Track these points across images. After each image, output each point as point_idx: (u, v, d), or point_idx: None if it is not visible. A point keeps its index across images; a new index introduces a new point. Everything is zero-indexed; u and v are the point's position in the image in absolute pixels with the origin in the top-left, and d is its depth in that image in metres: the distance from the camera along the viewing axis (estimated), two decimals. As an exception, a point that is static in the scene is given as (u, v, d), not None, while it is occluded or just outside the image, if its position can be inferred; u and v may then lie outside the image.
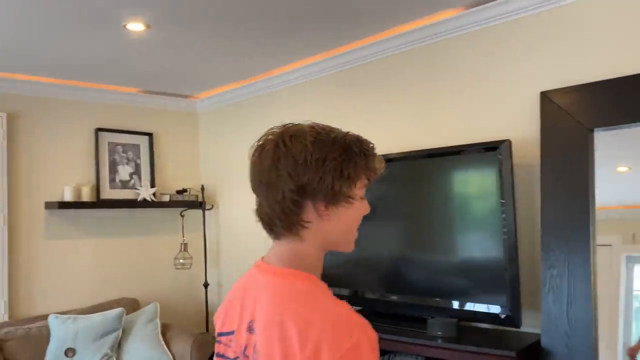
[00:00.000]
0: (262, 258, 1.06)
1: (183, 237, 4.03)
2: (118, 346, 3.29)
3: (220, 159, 4.18)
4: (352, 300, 2.85)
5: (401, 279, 2.65)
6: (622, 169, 2.25)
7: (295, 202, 0.94)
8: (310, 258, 1.00)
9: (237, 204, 4.01)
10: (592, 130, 2.10)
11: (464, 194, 2.46)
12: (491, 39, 2.54)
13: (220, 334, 1.04)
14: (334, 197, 0.96)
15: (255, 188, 1.02)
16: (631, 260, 2.15)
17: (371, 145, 1.02)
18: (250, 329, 0.95)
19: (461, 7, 2.52)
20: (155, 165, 4.07)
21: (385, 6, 2.48)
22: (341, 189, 0.96)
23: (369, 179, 1.01)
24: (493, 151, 2.30)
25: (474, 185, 2.43)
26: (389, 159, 2.71)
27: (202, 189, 4.13)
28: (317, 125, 0.99)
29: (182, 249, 3.96)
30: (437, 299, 2.45)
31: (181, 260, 3.94)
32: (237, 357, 0.96)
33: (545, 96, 2.24)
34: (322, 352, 0.81)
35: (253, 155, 1.01)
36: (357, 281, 2.83)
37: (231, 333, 1.00)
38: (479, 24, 2.56)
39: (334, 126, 0.99)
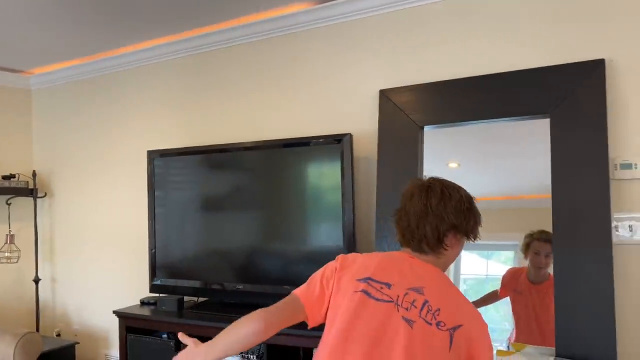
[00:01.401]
0: (407, 251, 1.43)
1: (9, 227, 3.63)
2: None
3: (56, 142, 3.82)
4: (203, 292, 2.79)
5: (254, 269, 2.64)
6: (453, 165, 2.46)
7: (447, 231, 1.38)
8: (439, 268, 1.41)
9: (75, 192, 3.70)
10: (422, 128, 2.28)
11: (312, 185, 2.53)
12: (339, 35, 2.64)
13: (371, 279, 1.34)
14: (467, 233, 1.41)
15: (415, 212, 1.39)
16: (461, 247, 2.37)
17: None
18: (418, 291, 1.31)
19: (312, 2, 2.58)
20: (-24, 146, 3.60)
21: (236, -7, 2.45)
22: (473, 228, 1.42)
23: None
24: (337, 143, 2.39)
25: (321, 176, 2.51)
26: (242, 148, 2.70)
27: (34, 174, 3.74)
28: (457, 184, 1.46)
29: (8, 241, 3.58)
30: (289, 287, 2.48)
31: (7, 254, 3.56)
32: (392, 301, 1.30)
33: (383, 94, 2.39)
34: (479, 323, 1.29)
35: (420, 190, 1.42)
36: (209, 272, 2.77)
37: (385, 284, 1.32)
38: (329, 19, 2.64)
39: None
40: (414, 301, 1.29)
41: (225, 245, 2.73)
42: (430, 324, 1.25)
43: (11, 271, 3.74)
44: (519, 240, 2.18)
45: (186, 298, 2.88)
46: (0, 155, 3.75)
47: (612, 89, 2.00)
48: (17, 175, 3.68)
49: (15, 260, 3.61)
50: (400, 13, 2.46)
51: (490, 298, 2.25)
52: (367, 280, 1.34)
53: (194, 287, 2.81)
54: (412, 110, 2.31)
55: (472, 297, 2.34)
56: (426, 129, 2.30)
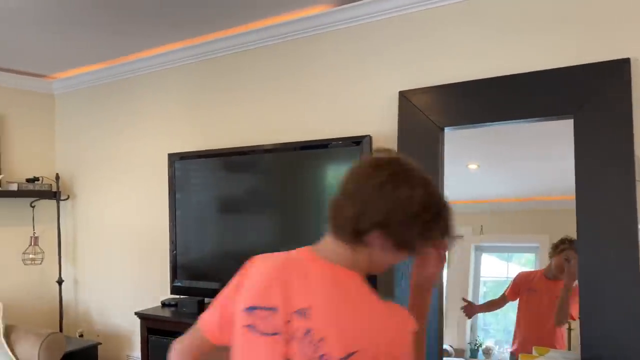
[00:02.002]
0: (312, 248, 1.10)
1: (33, 230, 3.69)
2: (-50, 352, 2.92)
3: (78, 145, 3.88)
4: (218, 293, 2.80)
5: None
6: (473, 166, 2.44)
7: (373, 226, 1.01)
8: (360, 266, 1.06)
9: (97, 195, 3.75)
10: (443, 129, 2.27)
11: (330, 187, 2.53)
12: (357, 38, 2.63)
13: (256, 308, 1.07)
14: (400, 243, 1.03)
15: (348, 189, 1.07)
16: (479, 250, 2.35)
17: (451, 215, 1.08)
18: (303, 314, 1.00)
19: (330, 4, 2.57)
20: (1, 150, 3.66)
21: (255, -4, 2.46)
22: (413, 244, 1.04)
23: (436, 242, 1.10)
24: (356, 145, 2.38)
25: (339, 178, 2.50)
26: (260, 151, 2.71)
27: (57, 177, 3.81)
28: (421, 172, 1.05)
29: (32, 243, 3.64)
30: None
31: (31, 255, 3.62)
32: (276, 333, 1.02)
33: (403, 95, 2.37)
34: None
35: (368, 165, 1.07)
36: (228, 274, 2.77)
37: (271, 309, 1.04)
38: (347, 22, 2.63)
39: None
40: (296, 330, 1.00)
41: (244, 248, 2.74)
42: None
43: (35, 272, 3.80)
44: (540, 242, 2.16)
45: (207, 300, 2.90)
46: (24, 158, 3.83)
47: (638, 88, 1.96)
48: (40, 178, 3.74)
49: (39, 262, 3.67)
50: (420, 14, 2.44)
51: (497, 303, 2.24)
52: (252, 310, 1.07)
53: (214, 289, 2.82)
54: (433, 112, 2.29)
55: (492, 299, 2.33)
56: (446, 130, 2.27)
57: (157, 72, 3.40)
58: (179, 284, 2.94)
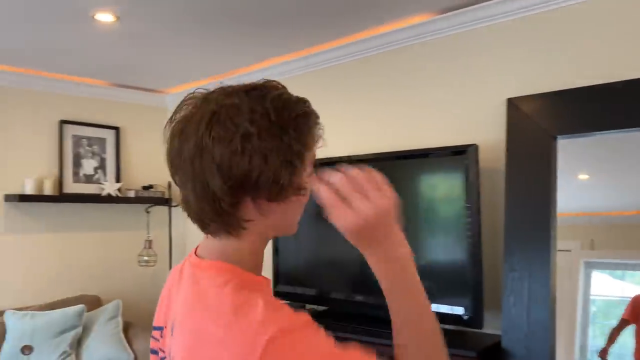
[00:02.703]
0: (196, 248, 0.86)
1: (148, 233, 3.96)
2: (78, 344, 3.21)
3: (188, 155, 4.13)
4: (318, 300, 2.86)
5: (367, 280, 2.65)
6: (583, 176, 2.31)
7: (231, 200, 0.74)
8: (249, 254, 0.82)
9: (205, 202, 3.96)
10: (555, 138, 2.16)
11: (430, 197, 2.49)
12: (462, 44, 2.58)
13: (154, 329, 0.90)
14: (280, 192, 0.75)
15: (174, 173, 0.79)
16: (589, 266, 2.21)
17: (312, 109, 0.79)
18: (172, 329, 0.79)
19: (433, 13, 2.55)
20: (121, 160, 3.99)
21: (358, 9, 2.50)
22: (289, 180, 0.76)
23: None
24: (460, 155, 2.33)
25: (441, 188, 2.46)
26: (358, 160, 2.73)
27: (169, 185, 4.06)
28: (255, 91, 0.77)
29: (147, 246, 3.89)
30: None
31: (145, 258, 3.87)
32: (165, 357, 0.81)
33: (511, 102, 2.29)
34: None
35: (172, 139, 0.78)
36: (323, 281, 2.84)
37: (159, 329, 0.87)
38: (450, 29, 2.60)
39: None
40: (170, 350, 0.79)
41: (339, 256, 2.76)
42: None
43: (149, 273, 4.06)
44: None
45: (307, 306, 2.96)
46: (140, 167, 4.13)
47: None
48: (155, 186, 4.02)
49: (153, 264, 3.91)
50: (530, 18, 2.36)
51: (618, 329, 2.10)
52: (153, 331, 0.91)
53: (310, 295, 2.87)
54: (544, 120, 2.19)
55: (601, 321, 2.18)
56: (559, 139, 2.17)
57: (262, 85, 3.55)
58: (277, 289, 3.03)
